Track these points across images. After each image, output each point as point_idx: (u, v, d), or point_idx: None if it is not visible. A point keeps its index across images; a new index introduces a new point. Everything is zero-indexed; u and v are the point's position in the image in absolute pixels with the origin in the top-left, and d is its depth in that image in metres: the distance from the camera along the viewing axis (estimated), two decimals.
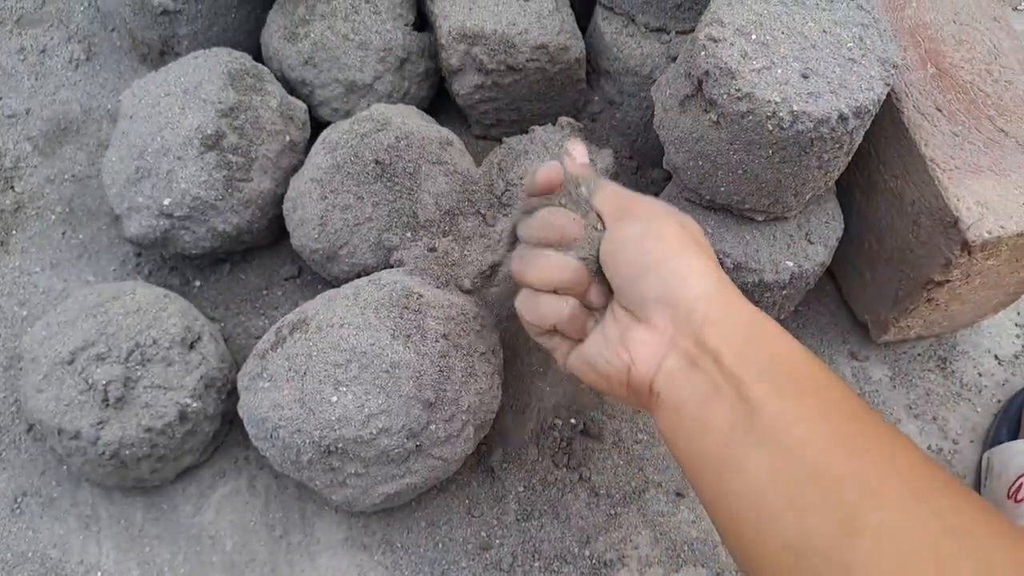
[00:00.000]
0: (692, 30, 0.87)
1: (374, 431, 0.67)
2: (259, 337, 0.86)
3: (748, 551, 0.48)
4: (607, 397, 0.70)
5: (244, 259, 0.92)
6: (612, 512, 0.81)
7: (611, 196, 0.62)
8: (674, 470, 0.84)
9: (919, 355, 0.93)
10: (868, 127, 0.72)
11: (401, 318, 0.70)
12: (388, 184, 0.80)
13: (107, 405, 0.71)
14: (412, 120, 0.84)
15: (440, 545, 0.79)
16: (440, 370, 0.70)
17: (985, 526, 0.41)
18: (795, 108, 0.65)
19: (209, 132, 0.80)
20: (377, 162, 0.79)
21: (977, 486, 0.86)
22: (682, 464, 0.54)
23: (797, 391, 0.50)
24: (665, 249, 0.56)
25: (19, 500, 0.80)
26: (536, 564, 0.78)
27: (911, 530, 0.42)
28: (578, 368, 0.61)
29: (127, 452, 0.72)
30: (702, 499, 0.53)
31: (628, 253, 0.58)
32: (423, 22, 0.96)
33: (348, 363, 0.68)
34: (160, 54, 0.99)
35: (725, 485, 0.50)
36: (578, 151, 0.66)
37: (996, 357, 0.94)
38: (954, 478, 0.45)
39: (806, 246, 0.80)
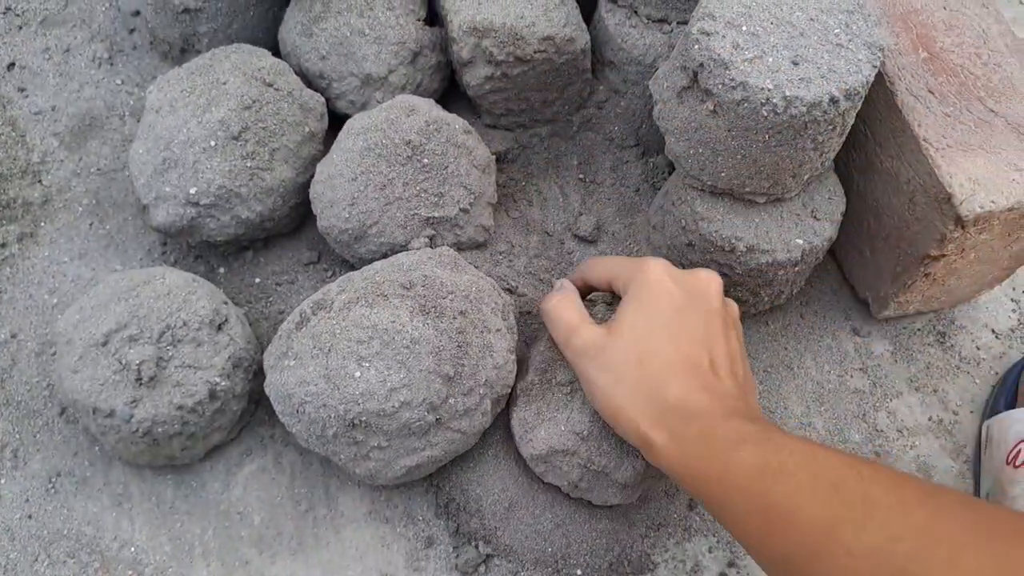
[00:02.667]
0: None
1: (396, 404, 0.70)
2: (281, 320, 0.89)
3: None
4: None
5: (266, 246, 0.95)
6: None
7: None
8: None
9: (919, 330, 0.96)
10: (859, 108, 0.75)
11: (420, 296, 0.73)
12: (419, 165, 0.83)
13: (140, 384, 0.74)
14: (435, 109, 0.88)
15: None
16: (458, 346, 0.73)
17: None
18: (787, 94, 0.68)
19: (233, 124, 0.83)
20: (408, 143, 0.83)
21: (977, 455, 0.89)
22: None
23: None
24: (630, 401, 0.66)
25: (53, 480, 0.83)
26: None
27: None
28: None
29: (159, 429, 0.76)
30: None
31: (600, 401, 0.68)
32: (434, 17, 0.99)
33: (370, 340, 0.71)
34: (181, 51, 1.02)
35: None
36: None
37: (993, 331, 0.97)
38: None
39: (813, 223, 0.83)
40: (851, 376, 0.93)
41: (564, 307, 0.74)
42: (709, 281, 0.72)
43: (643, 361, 0.66)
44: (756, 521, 0.56)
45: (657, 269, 0.71)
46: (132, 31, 1.09)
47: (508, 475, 0.81)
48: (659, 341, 0.67)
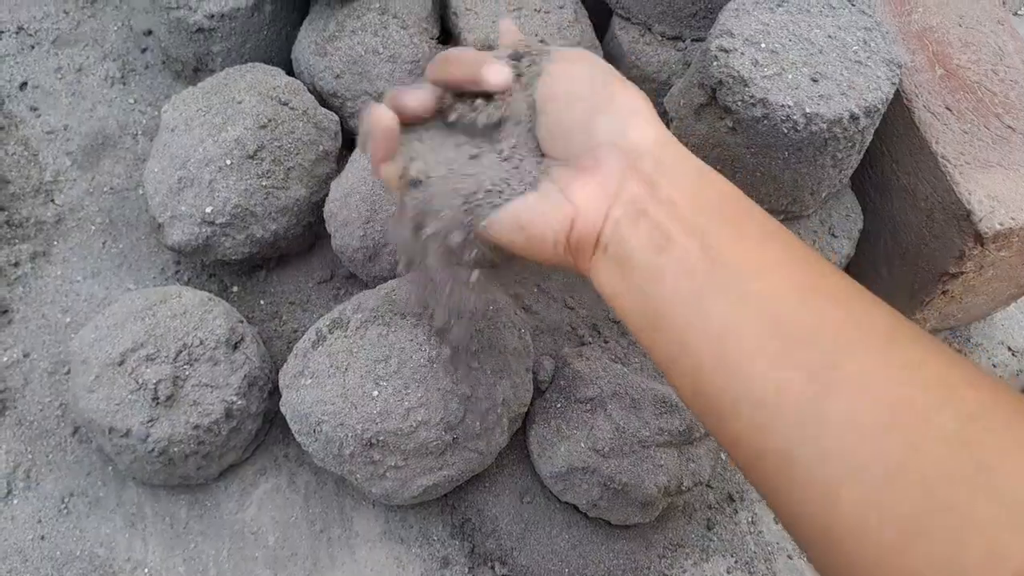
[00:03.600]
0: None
1: (414, 424, 0.70)
2: (294, 339, 0.89)
3: (713, 403, 0.45)
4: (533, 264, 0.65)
5: (279, 265, 0.95)
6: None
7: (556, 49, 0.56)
8: None
9: None
10: (878, 126, 0.75)
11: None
12: None
13: (157, 404, 0.74)
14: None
15: None
16: (474, 365, 0.72)
17: (961, 376, 0.39)
18: (808, 111, 0.68)
19: (248, 143, 0.83)
20: None
21: None
22: (631, 323, 0.50)
23: (759, 240, 0.47)
24: (617, 90, 0.53)
25: (66, 500, 0.82)
26: None
27: (888, 381, 0.40)
28: (505, 231, 0.53)
29: (175, 449, 0.75)
30: (657, 358, 0.49)
31: (577, 90, 0.53)
32: (448, 36, 0.99)
33: (388, 359, 0.71)
34: (194, 71, 1.02)
35: (685, 336, 0.46)
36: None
37: (1009, 348, 0.97)
38: (921, 329, 0.42)
39: (831, 240, 0.82)
40: None
41: (513, 235, 0.56)
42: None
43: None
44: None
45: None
46: (145, 50, 1.09)
47: (524, 495, 0.81)
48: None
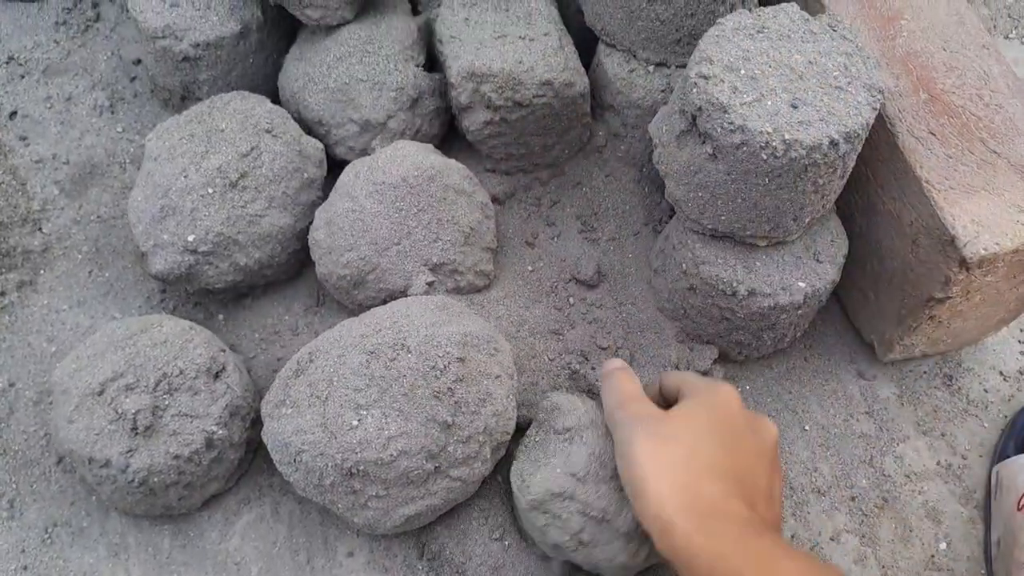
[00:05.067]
0: None
1: (394, 453, 0.70)
2: (280, 367, 0.89)
3: None
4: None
5: (264, 293, 0.95)
6: None
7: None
8: None
9: (925, 373, 0.95)
10: (863, 151, 0.75)
11: (419, 344, 0.73)
12: (417, 211, 0.83)
13: (136, 433, 0.74)
14: (432, 154, 0.87)
15: None
16: (456, 393, 0.72)
17: None
18: (787, 137, 0.68)
19: (231, 171, 0.84)
20: (407, 189, 0.83)
21: (988, 501, 0.88)
22: None
23: None
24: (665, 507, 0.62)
25: (50, 530, 0.82)
26: None
27: None
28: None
29: (156, 479, 0.75)
30: None
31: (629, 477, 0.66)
32: (433, 63, 0.99)
33: (368, 387, 0.71)
34: (181, 99, 1.02)
35: None
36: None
37: (1001, 373, 0.96)
38: None
39: (815, 266, 0.82)
40: (857, 420, 0.92)
41: (627, 377, 0.73)
42: (771, 428, 0.71)
43: (695, 451, 0.65)
44: None
45: (731, 392, 0.71)
46: (133, 79, 1.10)
47: (497, 535, 0.81)
48: (714, 445, 0.66)
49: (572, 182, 1.01)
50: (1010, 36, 1.27)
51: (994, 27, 1.26)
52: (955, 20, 0.88)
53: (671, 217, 0.93)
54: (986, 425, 0.92)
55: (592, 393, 0.86)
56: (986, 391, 0.95)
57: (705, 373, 0.89)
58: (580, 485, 0.72)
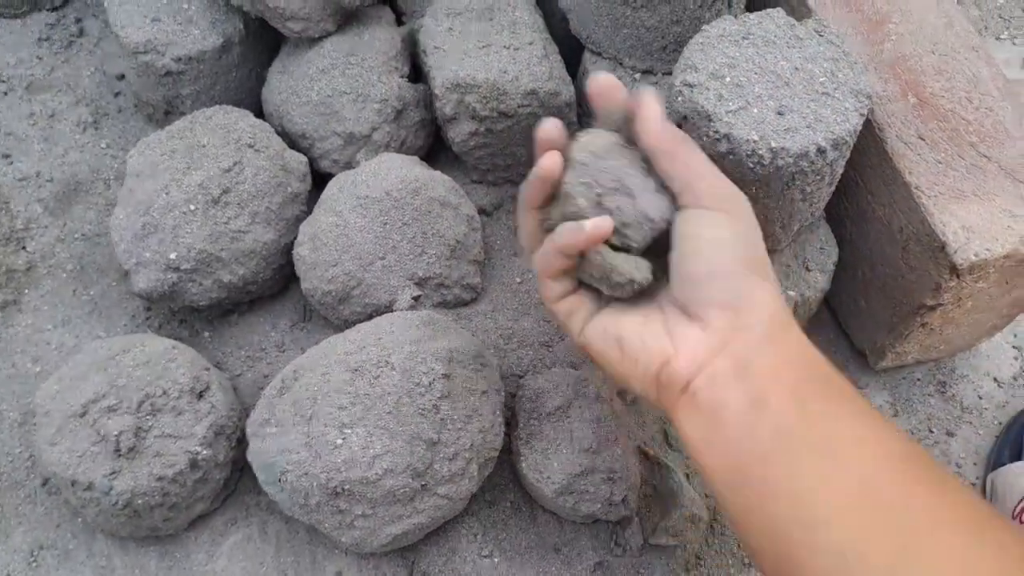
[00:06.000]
0: None
1: (379, 471, 0.69)
2: (267, 384, 0.87)
3: (785, 556, 0.47)
4: (614, 379, 0.68)
5: (250, 309, 0.94)
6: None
7: (677, 163, 0.57)
8: None
9: (918, 380, 0.94)
10: (852, 157, 0.74)
11: (403, 361, 0.72)
12: (402, 224, 0.82)
13: (119, 455, 0.73)
14: (417, 167, 0.86)
15: None
16: (441, 410, 0.71)
17: None
18: (773, 145, 0.67)
19: (212, 187, 0.83)
20: (392, 203, 0.82)
21: None
22: (710, 469, 0.52)
23: (856, 415, 0.49)
24: (738, 262, 0.54)
25: (35, 553, 0.81)
26: None
27: (976, 560, 0.41)
28: (600, 341, 0.58)
29: (140, 501, 0.74)
30: (734, 507, 0.51)
31: (701, 254, 0.54)
32: (417, 74, 0.98)
33: (352, 405, 0.70)
34: (165, 114, 1.02)
35: (770, 488, 0.48)
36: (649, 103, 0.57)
37: (995, 379, 0.95)
38: (1009, 521, 0.45)
39: (805, 274, 0.81)
40: None
41: (607, 348, 0.59)
42: None
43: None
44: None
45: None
46: (117, 94, 1.09)
47: (486, 552, 0.80)
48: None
49: None
50: (1001, 37, 1.26)
51: (985, 28, 1.26)
52: (944, 23, 0.88)
53: None
54: (980, 432, 0.92)
55: (566, 364, 0.86)
56: (980, 397, 0.94)
57: None
58: (596, 456, 0.72)
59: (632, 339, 0.56)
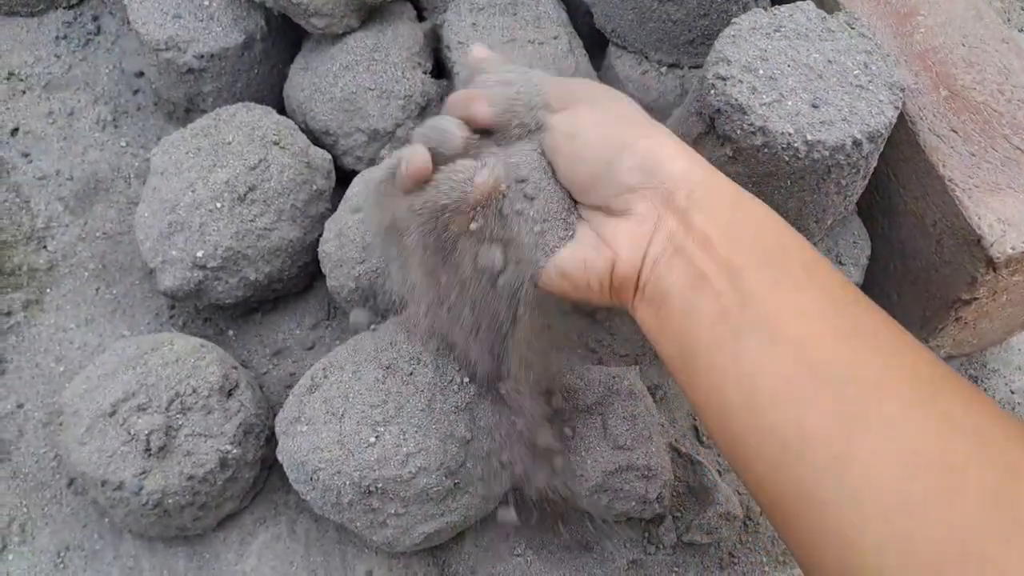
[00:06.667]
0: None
1: (413, 470, 0.68)
2: (293, 383, 0.87)
3: (739, 443, 0.46)
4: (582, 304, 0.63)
5: (275, 307, 0.93)
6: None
7: (551, 86, 0.57)
8: None
9: None
10: (884, 150, 0.73)
11: (434, 359, 0.71)
12: None
13: (149, 455, 0.72)
14: None
15: None
16: (473, 408, 0.71)
17: (1006, 433, 0.38)
18: (809, 138, 0.66)
19: (239, 185, 0.82)
20: None
21: None
22: (668, 361, 0.51)
23: (794, 283, 0.46)
24: (632, 130, 0.53)
25: (62, 555, 0.80)
26: None
27: (921, 429, 0.39)
28: (552, 284, 0.56)
29: (170, 501, 0.73)
30: (691, 398, 0.49)
31: (592, 139, 0.53)
32: (441, 70, 0.98)
33: (384, 404, 0.69)
34: (185, 111, 1.01)
35: (715, 375, 0.47)
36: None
37: None
38: (963, 379, 0.42)
39: (838, 268, 0.80)
40: None
41: (558, 283, 0.59)
42: None
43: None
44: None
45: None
46: (136, 92, 1.08)
47: (517, 551, 0.80)
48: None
49: None
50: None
51: (1008, 20, 1.25)
52: (973, 15, 0.87)
53: None
54: None
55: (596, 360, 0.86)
56: (1012, 392, 0.93)
57: None
58: (629, 453, 0.73)
59: (574, 268, 0.54)
